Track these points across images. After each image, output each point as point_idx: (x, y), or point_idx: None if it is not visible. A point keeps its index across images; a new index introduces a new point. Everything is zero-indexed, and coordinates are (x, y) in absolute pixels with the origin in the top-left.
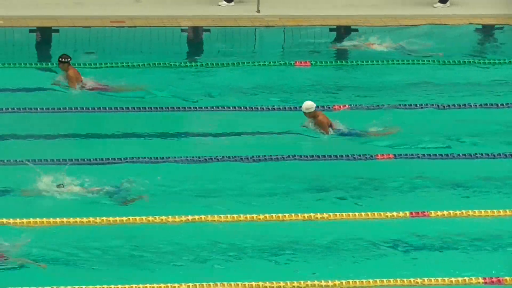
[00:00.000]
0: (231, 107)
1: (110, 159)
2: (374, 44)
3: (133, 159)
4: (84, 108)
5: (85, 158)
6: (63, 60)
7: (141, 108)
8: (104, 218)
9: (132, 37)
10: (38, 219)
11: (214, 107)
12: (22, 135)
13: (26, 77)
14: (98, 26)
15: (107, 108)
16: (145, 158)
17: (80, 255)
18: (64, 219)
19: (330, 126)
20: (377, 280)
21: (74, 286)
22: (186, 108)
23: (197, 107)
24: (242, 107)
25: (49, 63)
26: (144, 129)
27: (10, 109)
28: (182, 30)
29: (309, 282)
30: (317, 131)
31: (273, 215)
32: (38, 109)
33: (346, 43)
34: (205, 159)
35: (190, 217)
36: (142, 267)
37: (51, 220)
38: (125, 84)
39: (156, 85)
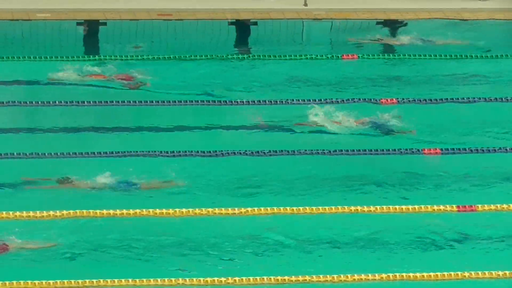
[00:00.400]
0: (277, 101)
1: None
2: (420, 38)
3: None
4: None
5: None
6: None
7: (188, 102)
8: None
9: (179, 30)
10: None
11: (261, 101)
12: (72, 128)
13: (73, 69)
14: (145, 19)
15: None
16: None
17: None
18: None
19: None
20: (424, 274)
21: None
22: (233, 102)
23: (244, 101)
24: (289, 100)
25: (96, 56)
26: (193, 122)
27: (57, 102)
28: (230, 23)
29: (356, 276)
30: None
31: (321, 207)
32: (86, 102)
33: (394, 37)
34: (258, 152)
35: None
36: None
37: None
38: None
39: (203, 78)
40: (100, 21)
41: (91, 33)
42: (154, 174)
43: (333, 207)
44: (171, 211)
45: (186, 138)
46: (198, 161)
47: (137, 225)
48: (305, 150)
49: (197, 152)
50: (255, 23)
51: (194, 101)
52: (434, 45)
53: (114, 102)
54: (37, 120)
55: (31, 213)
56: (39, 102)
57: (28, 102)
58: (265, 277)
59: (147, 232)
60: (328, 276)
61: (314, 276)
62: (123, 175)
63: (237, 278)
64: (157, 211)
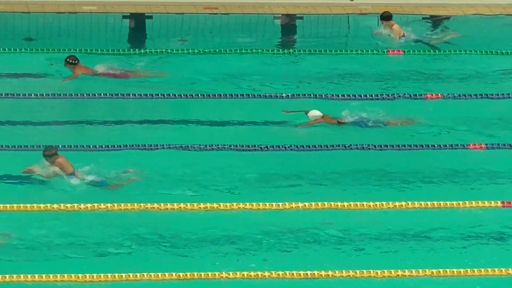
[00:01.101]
0: (323, 95)
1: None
2: (465, 33)
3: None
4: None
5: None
6: (70, 61)
7: (196, 95)
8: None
9: (225, 24)
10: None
11: (306, 95)
12: (120, 121)
13: (119, 62)
14: (191, 12)
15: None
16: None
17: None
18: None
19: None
20: (468, 270)
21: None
22: (279, 95)
23: (290, 95)
24: (334, 95)
25: (142, 50)
26: (241, 117)
27: (102, 94)
28: (275, 18)
29: (407, 271)
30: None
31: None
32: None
33: (439, 32)
34: (303, 147)
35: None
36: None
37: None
38: (144, 70)
39: (247, 72)
40: (146, 14)
41: (137, 26)
42: (194, 168)
43: (384, 203)
44: (215, 205)
45: (233, 132)
46: (243, 155)
47: (186, 219)
48: (351, 145)
49: (243, 146)
50: (301, 18)
51: (240, 95)
52: (479, 40)
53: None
54: (85, 112)
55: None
56: (85, 95)
57: (74, 95)
58: (315, 272)
59: (198, 226)
60: (381, 271)
61: (365, 272)
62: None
63: (295, 272)
64: (201, 205)
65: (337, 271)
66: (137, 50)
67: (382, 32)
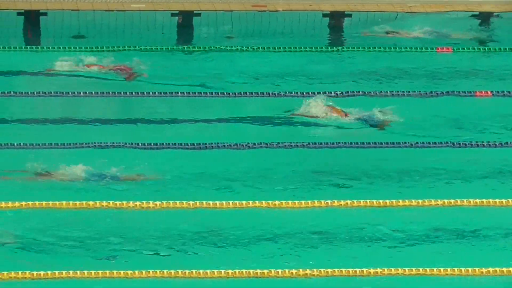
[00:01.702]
0: (372, 92)
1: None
2: None
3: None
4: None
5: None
6: None
7: (244, 93)
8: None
9: (274, 21)
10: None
11: (355, 92)
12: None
13: (167, 59)
14: (239, 10)
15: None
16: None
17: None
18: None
19: None
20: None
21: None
22: (321, 93)
23: (337, 92)
24: (383, 92)
25: (189, 46)
26: (281, 114)
27: (151, 93)
28: (324, 15)
29: (456, 270)
30: None
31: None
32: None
33: (489, 29)
34: (351, 143)
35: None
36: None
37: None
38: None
39: (293, 69)
40: (194, 11)
41: (185, 23)
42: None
43: (432, 200)
44: (264, 203)
45: (277, 130)
46: (291, 152)
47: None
48: (393, 143)
49: (291, 144)
50: (350, 15)
51: (289, 92)
52: None
53: (209, 94)
54: (135, 110)
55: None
56: (139, 93)
57: (128, 93)
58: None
59: (240, 223)
60: (430, 269)
61: (413, 269)
62: None
63: (351, 270)
64: (244, 203)
65: (393, 269)
66: (185, 47)
67: None
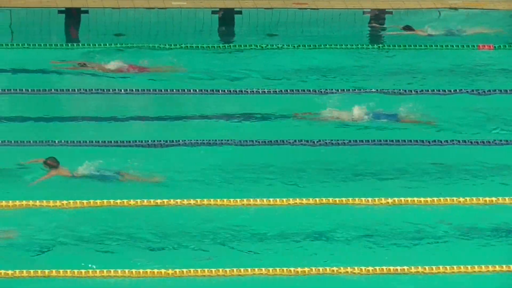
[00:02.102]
0: (412, 91)
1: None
2: None
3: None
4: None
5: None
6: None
7: (285, 91)
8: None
9: (314, 20)
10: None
11: (396, 91)
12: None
13: (210, 57)
14: (280, 7)
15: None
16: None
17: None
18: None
19: None
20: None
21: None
22: (368, 91)
23: (378, 90)
24: (424, 90)
25: (231, 44)
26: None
27: (197, 90)
28: (364, 13)
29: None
30: None
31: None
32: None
33: None
34: (404, 141)
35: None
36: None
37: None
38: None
39: (334, 66)
40: (235, 9)
41: (226, 21)
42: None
43: (493, 198)
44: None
45: (324, 126)
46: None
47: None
48: (447, 141)
49: (337, 141)
50: (390, 13)
51: (329, 90)
52: None
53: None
54: (178, 108)
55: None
56: (182, 90)
57: (169, 90)
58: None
59: (276, 220)
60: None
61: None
62: None
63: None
64: (317, 200)
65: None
66: (226, 45)
67: None
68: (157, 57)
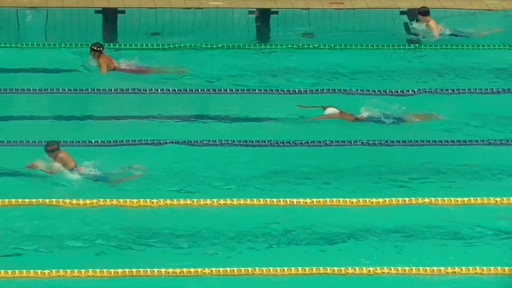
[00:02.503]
0: (449, 90)
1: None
2: None
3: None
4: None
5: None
6: (95, 48)
7: (327, 90)
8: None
9: (350, 19)
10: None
11: (427, 90)
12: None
13: (244, 58)
14: (317, 8)
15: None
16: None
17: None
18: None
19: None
20: None
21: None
22: (399, 92)
23: (415, 90)
24: (466, 89)
25: (267, 44)
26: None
27: (234, 90)
28: (401, 13)
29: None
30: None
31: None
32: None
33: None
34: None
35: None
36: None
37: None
38: (167, 65)
39: (370, 66)
40: (271, 9)
41: (262, 21)
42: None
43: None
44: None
45: (363, 127)
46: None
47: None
48: (484, 140)
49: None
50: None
51: (366, 90)
52: None
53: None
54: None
55: None
56: (219, 90)
57: (205, 90)
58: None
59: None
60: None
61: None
62: None
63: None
64: (343, 200)
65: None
66: (262, 45)
67: (418, 27)
68: (193, 56)
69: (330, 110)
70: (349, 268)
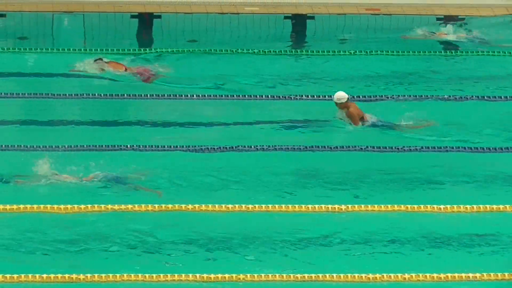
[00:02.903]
0: (484, 97)
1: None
2: None
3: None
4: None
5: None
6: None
7: (363, 97)
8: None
9: (387, 25)
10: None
11: (469, 97)
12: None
13: (282, 63)
14: (352, 13)
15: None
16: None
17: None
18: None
19: (362, 119)
20: None
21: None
22: (441, 97)
23: (452, 96)
24: (474, 96)
25: (303, 50)
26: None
27: (269, 96)
28: (438, 19)
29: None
30: (347, 122)
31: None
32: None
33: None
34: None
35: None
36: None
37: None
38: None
39: (405, 72)
40: (307, 15)
41: (299, 27)
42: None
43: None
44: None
45: (394, 133)
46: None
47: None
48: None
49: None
50: (463, 19)
51: (407, 96)
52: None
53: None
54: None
55: None
56: (254, 96)
57: (241, 96)
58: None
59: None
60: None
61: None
62: None
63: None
64: (361, 206)
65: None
66: (298, 50)
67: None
68: (227, 62)
69: (339, 95)
70: (384, 275)
